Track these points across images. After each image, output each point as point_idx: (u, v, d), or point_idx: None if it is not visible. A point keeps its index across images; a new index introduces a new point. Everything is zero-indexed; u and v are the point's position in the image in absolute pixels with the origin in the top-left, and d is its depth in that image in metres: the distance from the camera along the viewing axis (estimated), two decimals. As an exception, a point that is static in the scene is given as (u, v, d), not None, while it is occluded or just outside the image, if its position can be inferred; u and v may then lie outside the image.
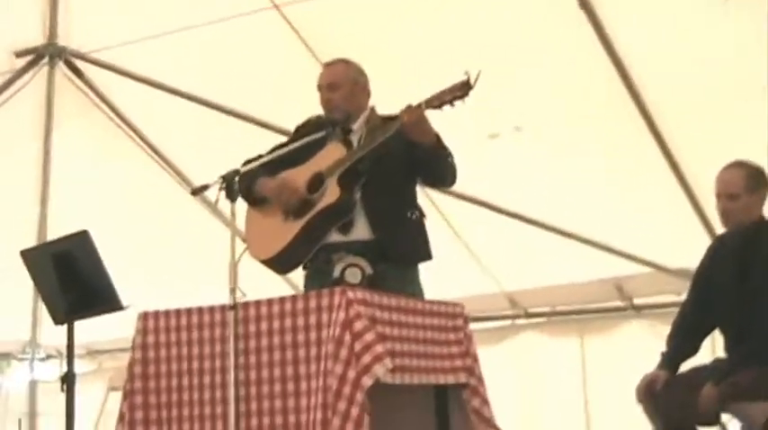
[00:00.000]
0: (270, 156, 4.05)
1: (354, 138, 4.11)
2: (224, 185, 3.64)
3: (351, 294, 3.40)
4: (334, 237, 4.00)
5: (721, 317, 4.31)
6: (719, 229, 4.64)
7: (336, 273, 3.86)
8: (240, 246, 3.63)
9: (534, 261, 6.92)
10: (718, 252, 4.40)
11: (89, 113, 6.72)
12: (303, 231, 3.98)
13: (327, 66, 4.24)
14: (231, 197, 3.63)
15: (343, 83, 4.15)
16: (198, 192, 3.81)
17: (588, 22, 5.35)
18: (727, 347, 4.31)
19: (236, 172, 3.68)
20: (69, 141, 6.98)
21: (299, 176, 4.04)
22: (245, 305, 3.56)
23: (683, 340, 4.39)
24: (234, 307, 3.49)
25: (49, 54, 6.45)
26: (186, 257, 7.40)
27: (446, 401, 3.74)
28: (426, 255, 4.11)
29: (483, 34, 5.60)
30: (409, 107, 3.83)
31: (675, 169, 6.00)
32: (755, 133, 5.51)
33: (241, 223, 3.81)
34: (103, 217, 6.85)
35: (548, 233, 6.65)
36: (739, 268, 4.23)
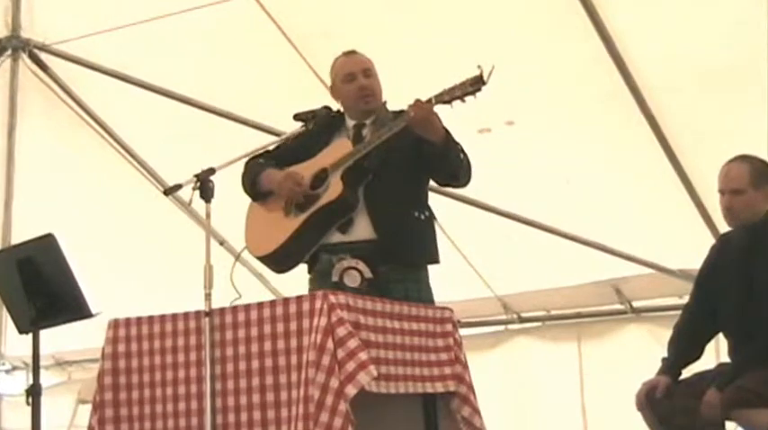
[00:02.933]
0: (276, 144, 4.13)
1: (365, 133, 4.15)
2: (198, 184, 3.66)
3: (333, 298, 3.42)
4: (335, 237, 4.04)
5: (726, 320, 4.33)
6: (723, 228, 4.66)
7: (335, 276, 3.89)
8: (214, 247, 3.65)
9: (528, 263, 6.93)
10: (722, 252, 4.42)
11: (55, 109, 6.72)
12: (302, 228, 4.02)
13: (353, 54, 4.24)
14: (205, 197, 3.66)
15: (374, 70, 4.20)
16: (171, 191, 3.84)
17: (584, 11, 5.36)
18: (732, 352, 4.33)
19: (211, 171, 3.71)
20: (34, 139, 6.97)
21: (305, 171, 4.09)
22: (221, 311, 3.58)
23: (686, 345, 4.41)
24: (209, 313, 3.51)
25: (12, 47, 6.45)
26: (159, 261, 7.40)
27: (435, 411, 3.75)
28: (433, 258, 4.13)
29: (473, 25, 5.62)
30: (417, 102, 3.87)
31: (676, 165, 6.00)
32: (759, 127, 5.54)
33: (216, 223, 3.82)
34: (71, 219, 6.85)
35: (542, 233, 6.67)
36: (745, 269, 4.25)
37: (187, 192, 3.71)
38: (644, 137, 5.88)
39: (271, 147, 4.22)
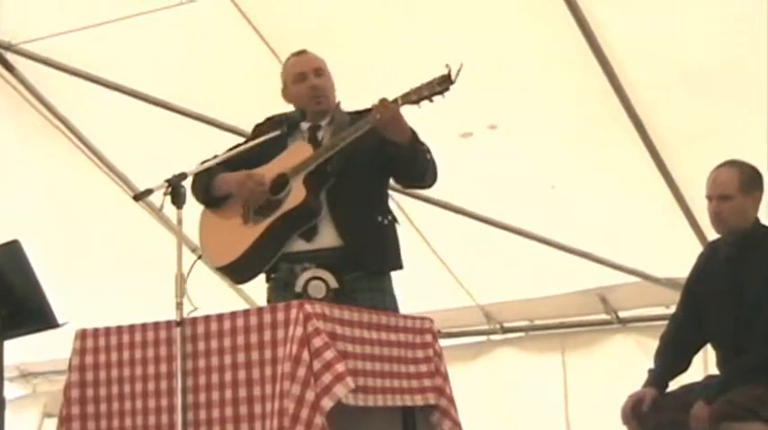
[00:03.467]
0: (227, 155, 4.04)
1: (321, 135, 4.10)
2: (169, 190, 3.63)
3: (309, 308, 3.39)
4: (298, 245, 3.99)
5: (715, 331, 4.34)
6: (711, 235, 4.67)
7: (299, 286, 3.86)
8: (187, 255, 3.62)
9: (511, 271, 6.93)
10: (711, 260, 4.42)
11: (21, 112, 6.67)
12: (264, 236, 3.97)
13: (304, 53, 4.20)
14: (177, 203, 3.63)
15: (326, 70, 4.17)
16: (141, 197, 3.80)
17: (570, 13, 5.36)
18: (721, 363, 4.33)
19: (183, 175, 3.69)
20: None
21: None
22: (194, 321, 3.55)
23: (673, 356, 4.41)
24: (181, 323, 3.49)
25: (-24, 47, 6.41)
26: (129, 269, 7.35)
27: (414, 424, 3.73)
28: (398, 264, 4.11)
29: (453, 26, 5.62)
30: (383, 102, 3.84)
31: (664, 171, 6.01)
32: (750, 130, 5.56)
33: (189, 230, 3.79)
34: (37, 225, 6.80)
35: (526, 241, 6.67)
36: (734, 279, 4.25)
37: (158, 198, 3.69)
38: (631, 142, 5.89)
39: (219, 157, 4.05)
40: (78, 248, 7.31)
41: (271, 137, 4.06)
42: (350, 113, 4.12)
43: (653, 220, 6.31)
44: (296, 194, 3.93)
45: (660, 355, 4.44)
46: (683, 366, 4.41)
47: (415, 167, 3.99)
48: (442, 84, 3.77)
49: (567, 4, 5.34)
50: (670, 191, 6.08)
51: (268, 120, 4.22)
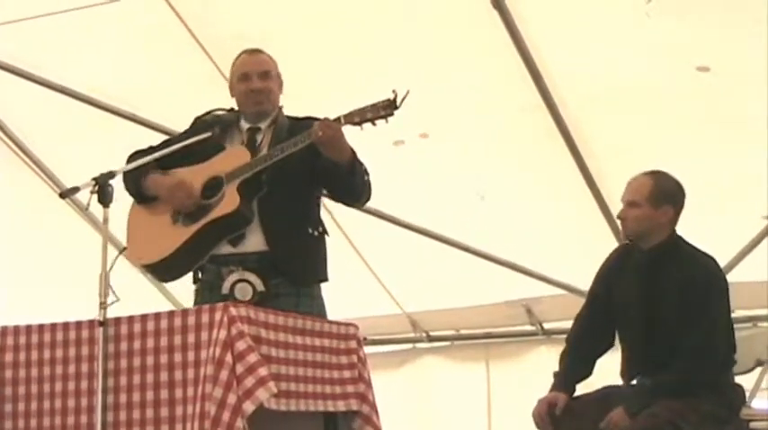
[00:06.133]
0: (161, 153, 4.04)
1: (260, 139, 4.12)
2: (96, 188, 3.62)
3: (233, 311, 3.40)
4: (225, 248, 4.01)
5: (626, 335, 4.39)
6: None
7: (226, 288, 3.88)
8: (113, 254, 3.61)
9: (439, 280, 6.98)
10: (623, 264, 4.44)
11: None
12: (192, 239, 3.98)
13: (253, 53, 4.21)
14: (104, 202, 3.62)
15: (273, 73, 4.17)
16: (67, 194, 3.78)
17: (503, 24, 5.43)
18: (629, 371, 4.36)
19: (111, 174, 3.67)
20: None
21: (195, 177, 4.03)
22: (117, 321, 3.54)
23: (578, 361, 4.44)
24: (103, 323, 3.48)
25: None
26: (52, 266, 7.27)
27: (336, 430, 3.76)
28: (323, 276, 4.13)
29: (387, 34, 5.66)
30: (325, 121, 3.87)
31: (592, 185, 6.10)
32: (672, 146, 5.67)
33: (114, 229, 3.78)
34: (-42, 220, 6.71)
35: (454, 250, 6.72)
36: (647, 288, 4.29)
37: (85, 196, 3.67)
38: (560, 155, 5.97)
39: (152, 155, 4.05)
40: (0, 244, 7.22)
41: (202, 138, 4.06)
42: (289, 118, 4.14)
43: (580, 233, 6.39)
44: (229, 201, 3.94)
45: (566, 359, 4.46)
46: (588, 372, 4.45)
47: (351, 187, 4.04)
48: (386, 109, 3.81)
49: (504, 21, 5.42)
50: (597, 204, 6.17)
51: (207, 114, 4.21)
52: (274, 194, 4.01)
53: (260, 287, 3.87)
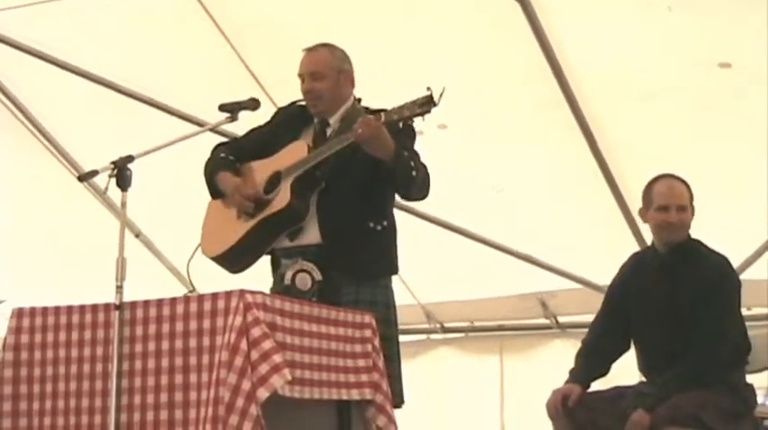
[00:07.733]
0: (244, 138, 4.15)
1: (329, 132, 4.18)
2: (115, 172, 3.64)
3: (249, 297, 3.41)
4: (285, 242, 4.11)
5: (645, 337, 4.41)
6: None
7: (287, 279, 3.91)
8: (129, 238, 3.63)
9: (454, 272, 6.98)
10: (639, 270, 4.49)
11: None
12: (249, 235, 4.10)
13: (309, 51, 4.24)
14: (122, 185, 3.64)
15: (327, 72, 4.19)
16: (85, 178, 3.81)
17: (524, 17, 5.42)
18: (648, 368, 4.40)
19: (130, 158, 3.68)
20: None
21: (260, 173, 4.14)
22: (133, 305, 3.55)
23: (595, 359, 4.48)
24: (119, 306, 3.49)
25: None
26: (70, 250, 7.30)
27: (349, 418, 3.76)
28: (383, 270, 4.19)
29: (409, 25, 5.65)
30: (366, 119, 3.90)
31: (610, 180, 6.09)
32: (692, 147, 5.66)
33: (132, 214, 3.79)
34: (-24, 202, 6.74)
35: (470, 242, 6.71)
36: (668, 288, 4.33)
37: (103, 180, 3.68)
38: (579, 150, 5.96)
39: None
40: (19, 227, 7.24)
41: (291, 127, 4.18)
42: (366, 109, 4.17)
43: (597, 229, 6.38)
44: (282, 197, 4.03)
45: (582, 357, 4.49)
46: (604, 371, 4.50)
47: (397, 181, 4.06)
48: (424, 106, 3.83)
49: (526, 15, 5.40)
50: (615, 201, 6.15)
51: (291, 105, 4.30)
52: (333, 188, 4.08)
53: (318, 276, 3.89)
